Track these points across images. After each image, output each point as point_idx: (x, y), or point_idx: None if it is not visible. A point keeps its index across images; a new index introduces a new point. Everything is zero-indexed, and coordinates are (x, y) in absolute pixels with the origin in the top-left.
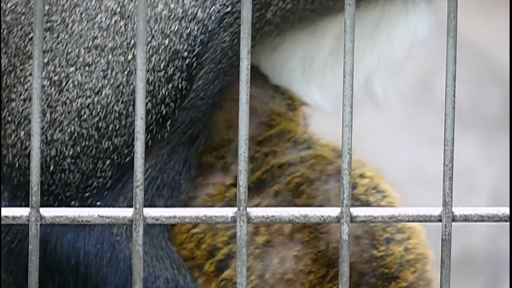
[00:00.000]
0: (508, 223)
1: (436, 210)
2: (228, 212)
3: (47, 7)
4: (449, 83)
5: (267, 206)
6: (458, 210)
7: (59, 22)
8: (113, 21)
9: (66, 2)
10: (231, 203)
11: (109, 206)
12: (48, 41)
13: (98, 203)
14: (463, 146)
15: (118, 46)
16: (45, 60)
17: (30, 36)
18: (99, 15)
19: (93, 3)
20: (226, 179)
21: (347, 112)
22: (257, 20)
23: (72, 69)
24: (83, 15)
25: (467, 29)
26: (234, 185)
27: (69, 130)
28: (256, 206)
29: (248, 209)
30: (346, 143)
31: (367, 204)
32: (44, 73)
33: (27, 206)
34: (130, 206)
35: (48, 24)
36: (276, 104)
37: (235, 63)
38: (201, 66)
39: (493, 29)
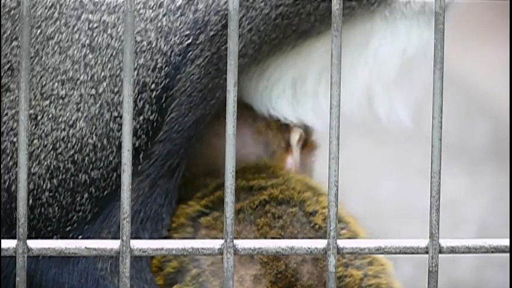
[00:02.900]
0: (495, 254)
1: (423, 242)
2: (215, 243)
3: None
4: (436, 114)
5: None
6: (445, 242)
7: (33, 54)
8: (82, 54)
9: (40, 34)
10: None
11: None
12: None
13: (80, 237)
14: (450, 179)
15: (89, 79)
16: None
17: (5, 67)
18: (71, 48)
19: (64, 36)
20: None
21: (333, 144)
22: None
23: (47, 102)
24: (56, 48)
25: (454, 61)
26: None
27: (45, 163)
28: (216, 220)
29: (235, 241)
30: (332, 175)
31: (325, 232)
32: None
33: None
34: (116, 238)
35: None
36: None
37: (207, 97)
38: (172, 99)
39: (479, 62)
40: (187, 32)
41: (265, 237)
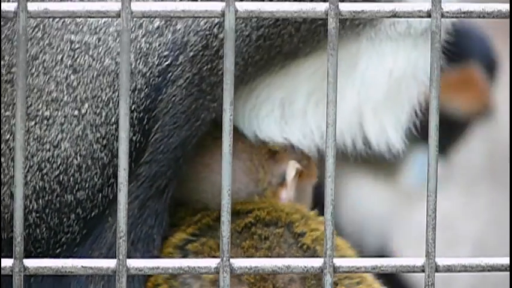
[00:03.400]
0: (491, 273)
1: (419, 261)
2: (211, 262)
3: (7, 58)
4: (432, 133)
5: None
6: (441, 261)
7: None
8: (65, 75)
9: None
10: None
11: None
12: (9, 94)
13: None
14: (447, 199)
15: (72, 100)
16: (7, 113)
17: None
18: (55, 69)
19: (48, 57)
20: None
21: (330, 163)
22: (217, 76)
23: (32, 123)
24: (40, 69)
25: None
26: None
27: (31, 184)
28: (203, 245)
29: (231, 260)
30: (329, 194)
31: (314, 252)
32: (7, 126)
33: None
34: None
35: (9, 76)
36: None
37: (191, 118)
38: (155, 120)
39: None
40: (166, 53)
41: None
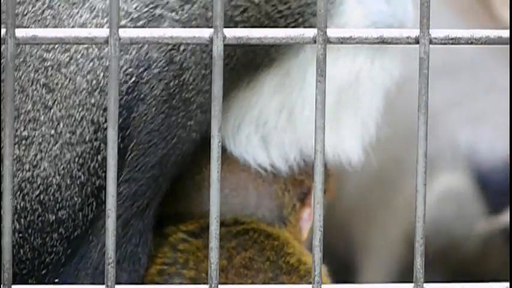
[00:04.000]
0: None
1: (408, 286)
2: None
3: None
4: (420, 159)
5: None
6: (429, 286)
7: None
8: (40, 94)
9: (2, 72)
10: None
11: (67, 283)
12: None
13: (56, 280)
14: None
15: (49, 119)
16: None
17: None
18: (31, 88)
19: (23, 75)
20: None
21: (318, 190)
22: (185, 105)
23: None
24: (17, 88)
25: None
26: None
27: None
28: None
29: (220, 287)
30: (317, 220)
31: (297, 272)
32: None
33: None
34: (94, 283)
35: None
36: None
37: (166, 136)
38: (130, 139)
39: None
40: (131, 70)
41: (231, 261)
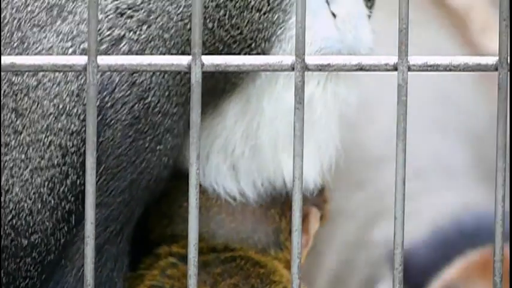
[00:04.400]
0: None
1: None
2: None
3: None
4: (399, 187)
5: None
6: None
7: None
8: (9, 118)
9: None
10: None
11: None
12: None
13: None
14: None
15: (19, 144)
16: None
17: None
18: (2, 113)
19: None
20: None
21: (296, 216)
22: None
23: None
24: None
25: None
26: None
27: None
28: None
29: None
30: (296, 247)
31: None
32: None
33: None
34: None
35: None
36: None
37: (135, 160)
38: (98, 163)
39: None
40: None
41: (216, 287)
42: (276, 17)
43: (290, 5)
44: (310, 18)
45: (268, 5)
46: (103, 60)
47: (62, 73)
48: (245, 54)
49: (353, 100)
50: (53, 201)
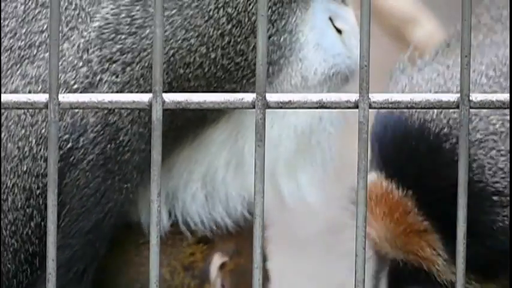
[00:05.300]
0: None
1: None
2: None
3: None
4: (359, 224)
5: None
6: None
7: None
8: None
9: None
10: None
11: None
12: None
13: None
14: None
15: None
16: None
17: None
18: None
19: None
20: None
21: (257, 253)
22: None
23: None
24: None
25: None
26: None
27: None
28: None
29: None
30: (256, 285)
31: None
32: None
33: None
34: None
35: None
36: None
37: (101, 201)
38: (62, 205)
39: None
40: (66, 137)
41: None
42: (282, 39)
43: (296, 26)
44: (318, 36)
45: (273, 27)
46: (64, 98)
47: (30, 116)
48: (248, 79)
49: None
50: (16, 244)
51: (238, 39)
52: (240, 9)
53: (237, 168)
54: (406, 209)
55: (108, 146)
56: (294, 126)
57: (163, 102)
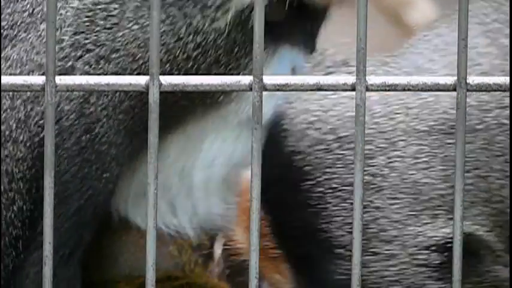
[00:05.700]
0: None
1: None
2: None
3: None
4: (357, 207)
5: None
6: None
7: None
8: None
9: None
10: None
11: None
12: None
13: None
14: None
15: None
16: None
17: None
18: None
19: None
20: None
21: (254, 236)
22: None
23: None
24: None
25: None
26: None
27: None
28: None
29: None
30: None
31: None
32: None
33: None
34: None
35: None
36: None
37: (81, 188)
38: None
39: None
40: (42, 122)
41: None
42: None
43: None
44: None
45: (237, 62)
46: (61, 80)
47: (9, 100)
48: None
49: None
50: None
51: (202, 67)
52: (208, 40)
53: (189, 180)
54: (264, 231)
55: (84, 136)
56: (229, 157)
57: (161, 84)
